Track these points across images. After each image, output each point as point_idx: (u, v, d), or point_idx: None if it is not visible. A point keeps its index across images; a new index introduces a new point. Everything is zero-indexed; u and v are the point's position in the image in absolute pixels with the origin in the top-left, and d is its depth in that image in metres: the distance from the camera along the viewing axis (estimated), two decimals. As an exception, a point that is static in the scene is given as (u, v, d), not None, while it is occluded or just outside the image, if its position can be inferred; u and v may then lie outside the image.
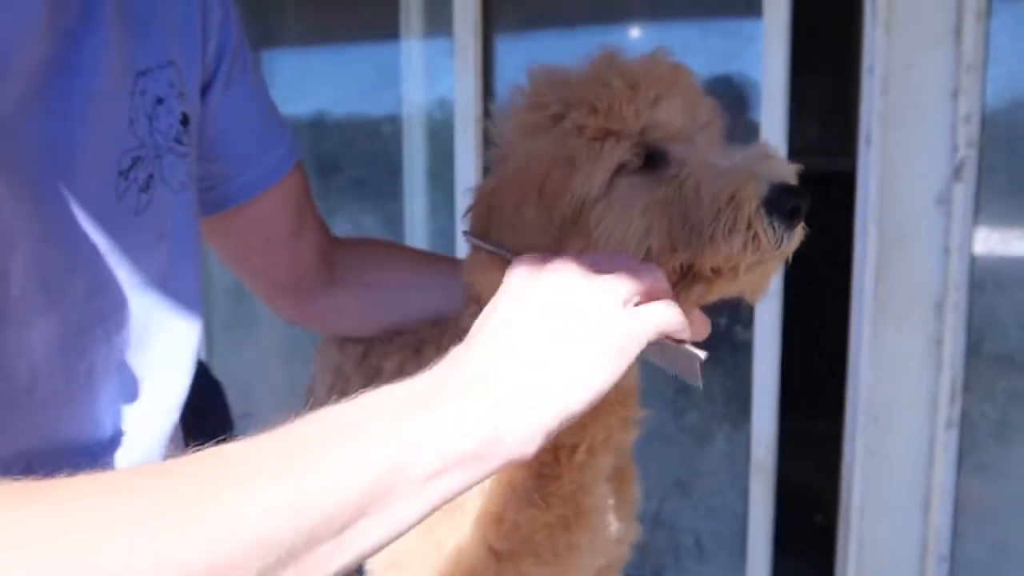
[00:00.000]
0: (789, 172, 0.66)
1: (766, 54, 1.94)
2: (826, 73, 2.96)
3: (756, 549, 2.02)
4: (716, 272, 0.66)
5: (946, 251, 1.79)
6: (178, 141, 0.73)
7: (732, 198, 0.63)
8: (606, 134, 0.68)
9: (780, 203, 0.62)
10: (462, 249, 0.78)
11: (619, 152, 0.68)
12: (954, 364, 1.81)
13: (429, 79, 2.40)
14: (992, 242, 1.81)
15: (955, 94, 1.75)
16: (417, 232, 2.42)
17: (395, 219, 2.43)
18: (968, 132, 1.75)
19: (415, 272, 0.96)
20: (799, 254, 0.67)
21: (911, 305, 1.83)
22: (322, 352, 1.02)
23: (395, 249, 1.06)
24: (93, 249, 0.65)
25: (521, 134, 0.73)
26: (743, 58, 2.04)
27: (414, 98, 2.41)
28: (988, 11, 1.73)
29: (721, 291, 0.68)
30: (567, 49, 2.24)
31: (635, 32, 2.21)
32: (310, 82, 2.60)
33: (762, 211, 0.62)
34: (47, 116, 0.61)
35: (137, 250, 0.69)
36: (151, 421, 0.71)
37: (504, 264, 0.62)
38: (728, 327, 2.05)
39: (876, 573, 1.92)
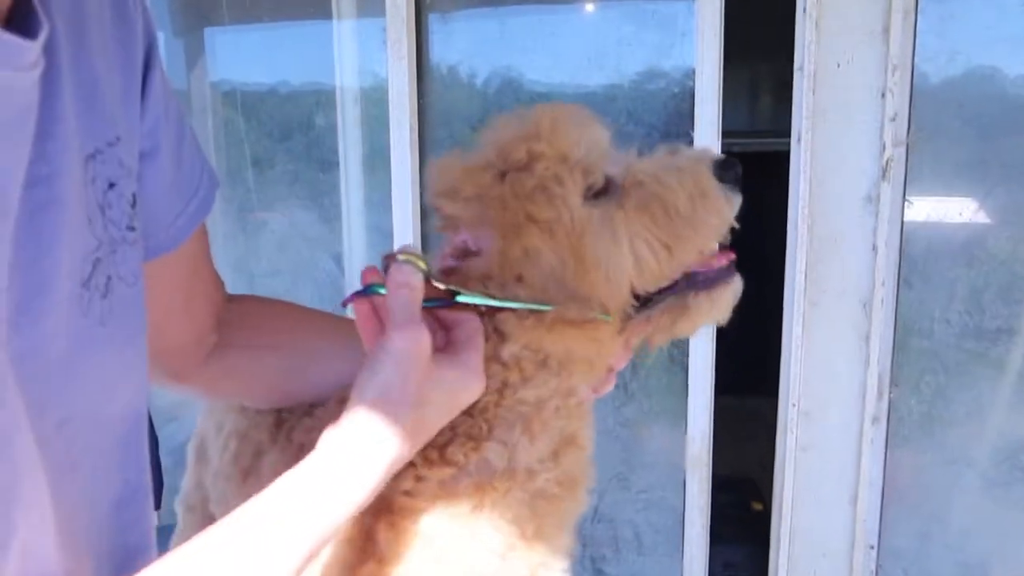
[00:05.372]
0: (709, 150, 0.76)
1: (699, 39, 1.91)
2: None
3: (693, 540, 2.06)
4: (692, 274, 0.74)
5: (874, 249, 1.81)
6: (130, 228, 0.64)
7: (696, 182, 0.72)
8: (561, 161, 0.72)
9: (727, 173, 0.73)
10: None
11: (579, 178, 0.72)
12: (882, 360, 1.84)
13: (362, 62, 2.35)
14: (919, 239, 1.84)
15: (883, 93, 1.76)
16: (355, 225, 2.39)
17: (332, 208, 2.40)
18: (895, 131, 1.76)
19: (323, 337, 0.86)
20: (737, 238, 0.76)
21: (840, 302, 1.86)
22: (214, 414, 0.97)
23: (286, 308, 0.92)
24: (65, 380, 0.57)
25: (479, 195, 0.72)
26: (679, 44, 2.02)
27: (347, 83, 2.35)
28: (916, 10, 1.73)
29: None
30: (498, 29, 2.21)
31: (566, 11, 2.17)
32: (244, 63, 2.54)
33: (718, 184, 0.73)
34: (20, 241, 0.53)
35: (105, 365, 0.61)
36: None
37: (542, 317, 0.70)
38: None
39: (807, 562, 1.97)
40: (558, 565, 0.78)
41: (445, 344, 0.69)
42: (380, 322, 0.67)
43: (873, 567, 1.94)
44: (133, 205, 0.65)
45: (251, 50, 2.58)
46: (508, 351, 0.70)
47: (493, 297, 0.69)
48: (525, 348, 0.71)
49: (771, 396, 1.98)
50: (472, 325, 0.69)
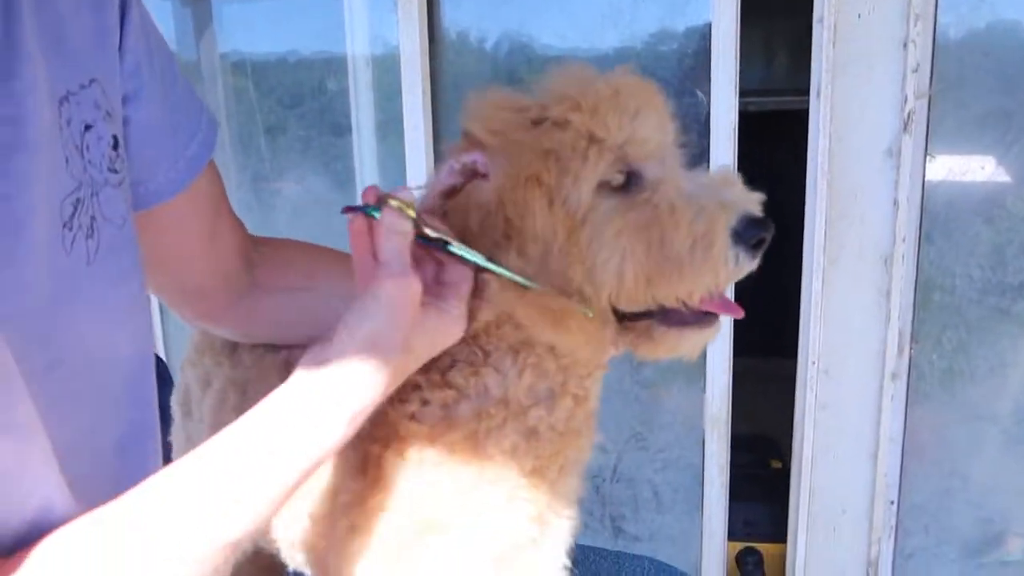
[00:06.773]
0: (756, 202, 0.70)
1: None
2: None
3: (712, 499, 2.06)
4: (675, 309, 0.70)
5: (895, 204, 1.79)
6: (112, 170, 0.65)
7: (707, 230, 0.66)
8: (590, 139, 0.69)
9: (747, 235, 0.67)
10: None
11: (602, 166, 0.69)
12: (902, 316, 1.83)
13: (372, 28, 2.33)
14: (940, 194, 1.81)
15: (905, 44, 1.73)
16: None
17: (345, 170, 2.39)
18: (918, 83, 1.73)
19: (342, 276, 0.87)
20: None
21: (860, 258, 1.84)
22: (197, 367, 0.95)
23: (320, 251, 0.95)
24: (51, 321, 0.58)
25: (505, 131, 0.71)
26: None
27: (358, 50, 2.33)
28: (938, -42, 1.70)
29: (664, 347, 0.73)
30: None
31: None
32: (253, 32, 2.52)
33: (730, 242, 0.67)
34: None
35: (95, 305, 0.62)
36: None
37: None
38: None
39: (827, 519, 1.97)
40: (564, 511, 0.80)
41: (434, 280, 0.70)
42: (371, 242, 0.68)
43: (893, 523, 1.93)
44: (115, 147, 0.65)
45: (260, 19, 2.56)
46: (483, 315, 0.71)
47: (485, 256, 0.69)
48: (500, 315, 0.72)
49: (790, 357, 1.97)
50: (462, 269, 0.70)
